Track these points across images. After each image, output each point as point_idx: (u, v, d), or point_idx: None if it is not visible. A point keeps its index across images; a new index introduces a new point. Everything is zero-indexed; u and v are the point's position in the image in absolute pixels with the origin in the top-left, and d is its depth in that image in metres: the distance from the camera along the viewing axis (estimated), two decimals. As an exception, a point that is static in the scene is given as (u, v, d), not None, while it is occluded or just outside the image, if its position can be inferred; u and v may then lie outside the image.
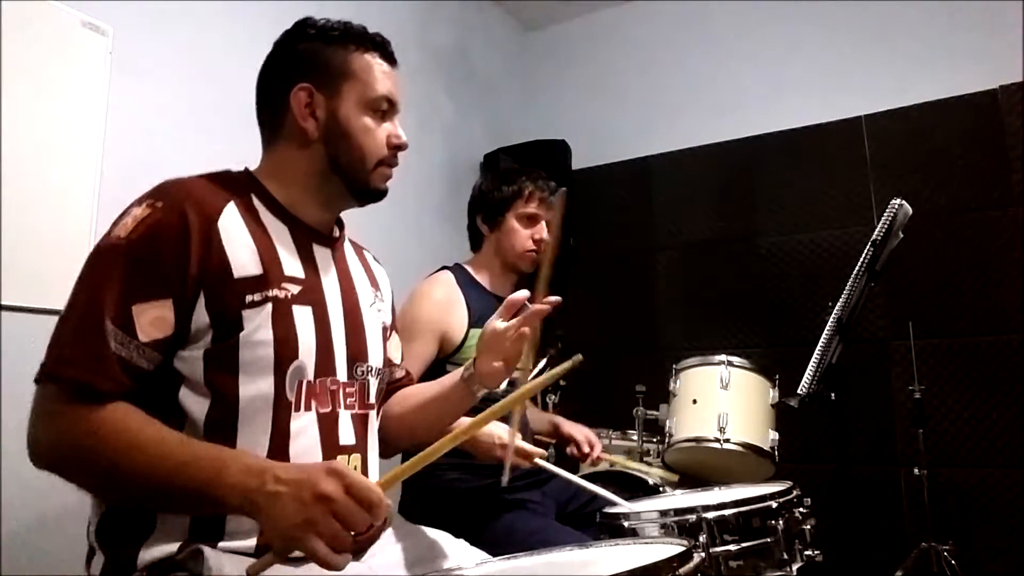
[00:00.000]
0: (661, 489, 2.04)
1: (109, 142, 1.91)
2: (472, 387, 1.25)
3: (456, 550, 1.22)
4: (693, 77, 3.42)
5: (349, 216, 1.24)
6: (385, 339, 1.25)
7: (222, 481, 0.86)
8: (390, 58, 1.18)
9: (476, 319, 1.86)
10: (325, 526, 0.81)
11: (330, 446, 1.06)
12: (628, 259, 3.43)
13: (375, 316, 1.22)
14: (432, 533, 1.26)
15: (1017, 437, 2.58)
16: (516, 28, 3.91)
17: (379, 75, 1.15)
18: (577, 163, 3.45)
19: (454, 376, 1.28)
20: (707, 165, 3.31)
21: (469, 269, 1.99)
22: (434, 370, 1.83)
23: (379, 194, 1.18)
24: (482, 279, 1.97)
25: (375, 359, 1.18)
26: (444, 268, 1.98)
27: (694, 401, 2.12)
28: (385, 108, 1.15)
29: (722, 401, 2.06)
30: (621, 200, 3.49)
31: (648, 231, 3.41)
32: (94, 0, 1.90)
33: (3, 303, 1.59)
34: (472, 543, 1.27)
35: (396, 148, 1.16)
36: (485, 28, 3.65)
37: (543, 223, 1.96)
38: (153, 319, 0.94)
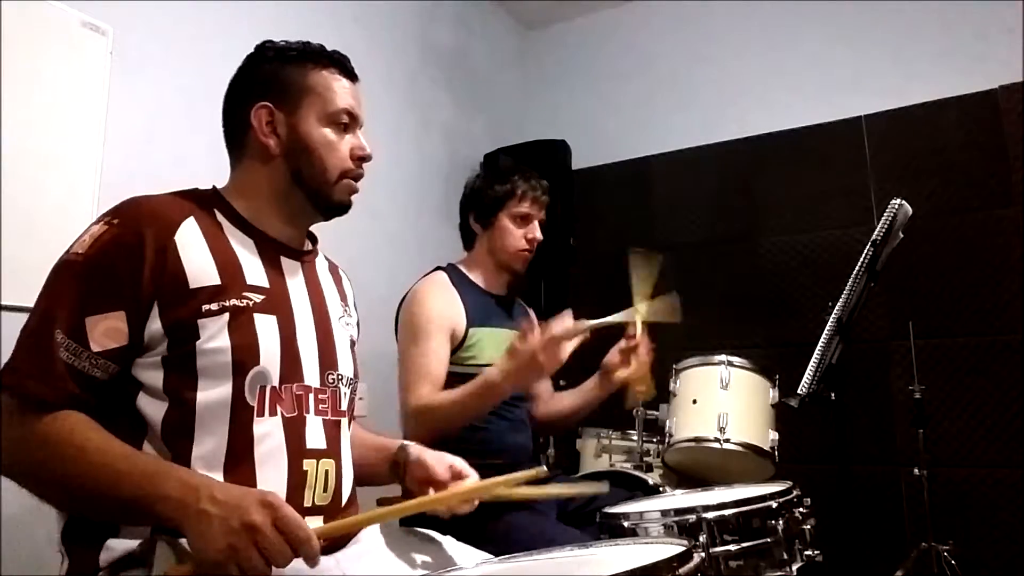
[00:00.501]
0: (661, 489, 2.04)
1: (109, 142, 1.91)
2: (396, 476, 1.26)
3: (444, 550, 1.22)
4: (693, 77, 3.42)
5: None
6: (353, 353, 1.26)
7: (159, 492, 0.88)
8: (350, 74, 1.22)
9: (474, 319, 1.86)
10: (246, 556, 0.83)
11: (296, 450, 1.07)
12: (628, 259, 3.43)
13: (344, 329, 1.24)
14: (420, 533, 1.26)
15: (1017, 437, 2.58)
16: (516, 28, 3.91)
17: (338, 90, 1.18)
18: (577, 163, 3.44)
19: (388, 452, 1.28)
20: (707, 165, 3.30)
21: (463, 268, 1.98)
22: None
23: (342, 208, 1.20)
24: (476, 278, 1.97)
25: (345, 369, 1.20)
26: (438, 268, 1.98)
27: (694, 401, 2.11)
28: (346, 121, 1.18)
29: (722, 401, 2.06)
30: (621, 200, 3.48)
31: (648, 231, 3.40)
32: (94, 0, 1.90)
33: (3, 303, 1.60)
34: (472, 543, 1.27)
35: (360, 160, 1.19)
36: (485, 28, 3.65)
37: (536, 223, 1.96)
38: (106, 330, 0.97)
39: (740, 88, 3.28)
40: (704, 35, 3.43)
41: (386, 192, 2.86)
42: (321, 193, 1.17)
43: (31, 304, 1.01)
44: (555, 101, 3.78)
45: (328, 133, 1.16)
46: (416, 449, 1.25)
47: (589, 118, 3.62)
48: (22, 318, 1.00)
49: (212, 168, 1.24)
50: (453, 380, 1.85)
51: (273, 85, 1.16)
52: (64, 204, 1.79)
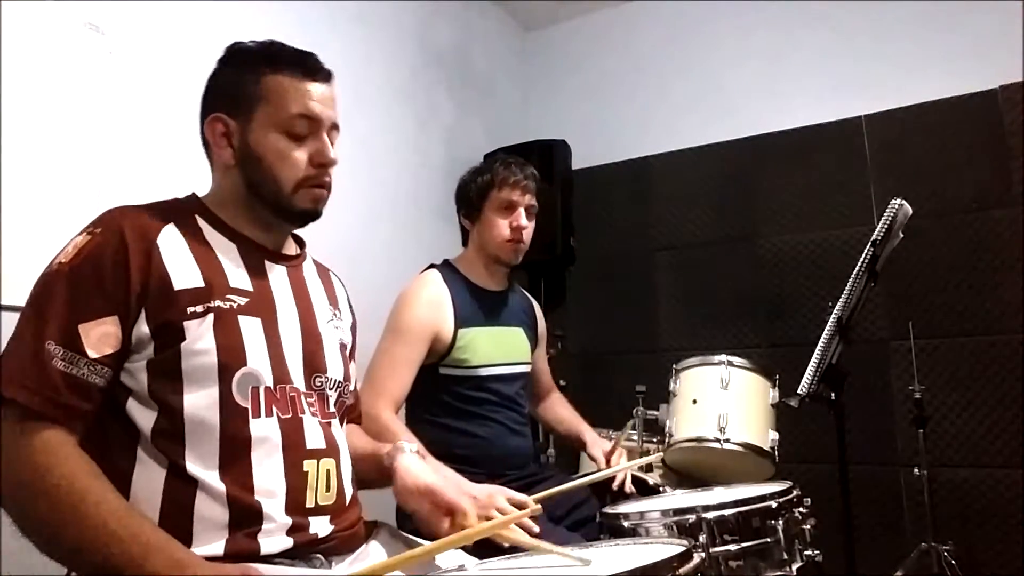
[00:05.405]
0: (661, 489, 2.04)
1: (109, 142, 1.91)
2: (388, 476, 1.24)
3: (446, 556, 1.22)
4: (693, 77, 3.42)
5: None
6: (344, 356, 1.25)
7: (147, 565, 0.86)
8: (312, 73, 1.14)
9: (462, 320, 1.85)
10: None
11: (295, 449, 1.06)
12: (628, 259, 3.43)
13: (332, 332, 1.22)
14: (415, 541, 1.26)
15: (1017, 437, 2.58)
16: (516, 28, 3.91)
17: (293, 95, 1.11)
18: (577, 163, 3.45)
19: (381, 454, 1.26)
20: (707, 165, 3.31)
21: (457, 266, 1.97)
22: (428, 376, 1.82)
23: (306, 215, 1.16)
24: (470, 275, 1.96)
25: (334, 372, 1.19)
26: (432, 266, 1.97)
27: (694, 401, 2.11)
28: (302, 129, 1.12)
29: (722, 401, 2.06)
30: (621, 200, 3.48)
31: (648, 231, 3.41)
32: (94, 0, 1.90)
33: (3, 303, 1.59)
34: (472, 543, 1.27)
35: (320, 167, 1.13)
36: (485, 28, 3.65)
37: (521, 210, 1.91)
38: (101, 335, 0.96)
39: (740, 88, 3.28)
40: (704, 35, 3.43)
41: (386, 193, 2.86)
42: (280, 203, 1.13)
43: (30, 305, 1.00)
44: (555, 101, 3.78)
45: (280, 142, 1.11)
46: (402, 462, 1.22)
47: (589, 118, 3.62)
48: (22, 319, 1.00)
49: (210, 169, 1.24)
50: (447, 382, 1.84)
51: (228, 94, 1.13)
52: (64, 204, 1.79)
